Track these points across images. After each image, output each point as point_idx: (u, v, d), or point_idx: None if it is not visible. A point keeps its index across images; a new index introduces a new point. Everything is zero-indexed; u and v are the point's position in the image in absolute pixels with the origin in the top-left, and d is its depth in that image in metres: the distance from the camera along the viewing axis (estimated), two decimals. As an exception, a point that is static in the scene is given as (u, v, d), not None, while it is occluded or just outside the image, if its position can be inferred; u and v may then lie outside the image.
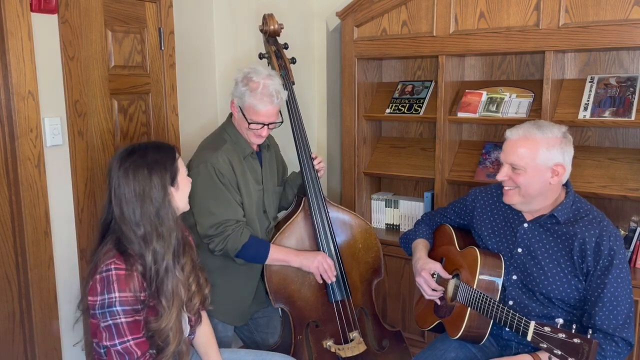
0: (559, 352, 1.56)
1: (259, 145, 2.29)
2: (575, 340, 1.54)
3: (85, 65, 2.28)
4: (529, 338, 1.65)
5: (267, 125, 2.14)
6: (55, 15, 2.15)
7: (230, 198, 2.11)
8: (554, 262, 1.86)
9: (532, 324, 1.65)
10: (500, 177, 1.88)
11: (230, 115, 2.26)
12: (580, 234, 1.82)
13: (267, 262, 2.19)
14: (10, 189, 2.10)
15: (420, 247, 2.20)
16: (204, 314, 1.97)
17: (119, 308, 1.58)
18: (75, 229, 2.29)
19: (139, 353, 1.62)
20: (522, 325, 1.69)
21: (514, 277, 1.93)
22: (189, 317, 1.83)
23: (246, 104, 2.11)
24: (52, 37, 2.15)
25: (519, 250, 1.93)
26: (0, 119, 2.04)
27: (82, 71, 2.27)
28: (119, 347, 1.60)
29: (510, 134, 1.88)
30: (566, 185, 1.91)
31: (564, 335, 1.56)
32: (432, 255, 2.18)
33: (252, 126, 2.12)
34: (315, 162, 2.34)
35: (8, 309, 2.13)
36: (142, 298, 1.62)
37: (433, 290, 2.06)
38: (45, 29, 2.12)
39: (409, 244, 2.29)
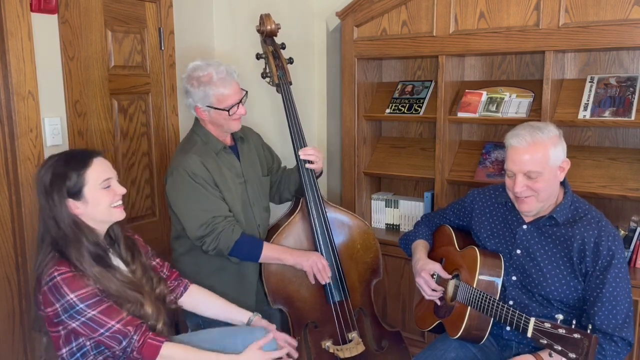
0: (559, 348, 1.56)
1: (233, 138, 2.28)
2: (575, 335, 1.54)
3: (85, 65, 2.28)
4: (529, 334, 1.65)
5: (240, 102, 2.15)
6: (55, 16, 2.15)
7: (210, 196, 2.10)
8: (552, 264, 1.86)
9: (532, 320, 1.65)
10: (518, 188, 1.81)
11: (197, 119, 2.24)
12: (579, 234, 1.82)
13: (261, 260, 2.18)
14: (11, 188, 2.10)
15: (420, 247, 2.20)
16: (193, 287, 2.03)
17: (82, 305, 1.59)
18: (75, 229, 2.29)
19: (132, 329, 1.64)
20: (522, 322, 1.69)
21: (514, 277, 1.93)
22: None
23: (213, 99, 2.10)
24: (52, 37, 2.15)
25: (518, 251, 1.93)
26: (0, 119, 2.05)
27: (82, 71, 2.27)
28: (107, 334, 1.62)
29: (517, 142, 1.82)
30: (564, 185, 1.91)
31: (563, 331, 1.56)
32: (431, 256, 2.18)
33: (232, 111, 2.12)
34: (301, 152, 2.28)
35: (8, 309, 2.14)
36: (100, 288, 1.63)
37: (433, 290, 2.06)
38: (45, 29, 2.12)
39: (409, 245, 2.29)
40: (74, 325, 1.61)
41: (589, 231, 1.81)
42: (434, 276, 2.09)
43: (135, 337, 1.64)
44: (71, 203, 1.66)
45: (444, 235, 2.20)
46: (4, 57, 2.00)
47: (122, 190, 1.75)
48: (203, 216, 2.08)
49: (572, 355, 1.53)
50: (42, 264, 1.64)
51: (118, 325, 1.62)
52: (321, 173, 2.42)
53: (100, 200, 1.69)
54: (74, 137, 2.25)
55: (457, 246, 2.10)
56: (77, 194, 1.65)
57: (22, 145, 2.06)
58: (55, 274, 1.59)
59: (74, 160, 1.67)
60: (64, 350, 1.68)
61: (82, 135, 2.29)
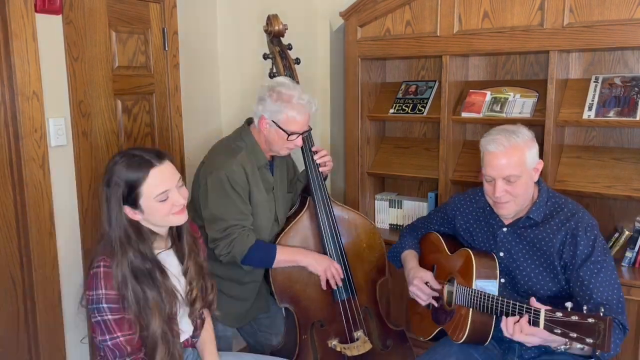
0: (575, 335, 1.52)
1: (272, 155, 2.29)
2: (590, 320, 1.50)
3: (89, 66, 2.28)
4: (540, 327, 1.60)
5: (303, 133, 2.16)
6: (60, 16, 2.15)
7: (241, 207, 2.10)
8: (535, 263, 1.87)
9: (542, 311, 1.61)
10: (498, 193, 1.83)
11: (248, 123, 2.24)
12: (557, 230, 1.83)
13: (275, 265, 2.17)
14: (15, 189, 2.10)
15: (410, 257, 2.21)
16: (207, 316, 1.97)
17: (105, 305, 1.60)
18: (80, 230, 2.30)
19: (129, 349, 1.63)
20: (532, 315, 1.64)
21: (502, 280, 1.93)
22: (192, 320, 1.84)
23: (283, 117, 2.10)
24: (56, 38, 2.16)
25: (501, 254, 1.94)
26: (5, 119, 2.05)
27: (86, 72, 2.27)
28: (109, 343, 1.62)
29: (494, 147, 1.82)
30: (538, 182, 1.92)
31: (577, 318, 1.53)
32: (422, 264, 2.18)
33: (291, 137, 2.12)
34: (317, 156, 2.31)
35: (12, 309, 2.14)
36: (123, 296, 1.62)
37: (427, 295, 2.07)
38: (49, 30, 2.13)
39: (398, 257, 2.29)
40: (93, 320, 1.64)
41: (565, 224, 1.83)
42: (428, 285, 2.09)
43: (127, 359, 1.63)
44: (128, 210, 1.63)
45: (432, 242, 2.20)
46: (9, 58, 2.01)
47: (181, 202, 1.67)
48: (225, 221, 2.08)
49: (590, 340, 1.49)
50: (99, 247, 1.65)
51: (121, 339, 1.62)
52: (327, 175, 2.42)
53: (156, 211, 1.64)
54: (78, 138, 2.26)
55: (447, 251, 2.09)
56: (133, 204, 1.63)
57: (26, 146, 2.07)
58: (101, 263, 1.61)
59: (132, 169, 1.61)
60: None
61: (86, 135, 2.29)
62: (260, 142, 2.19)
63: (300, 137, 2.16)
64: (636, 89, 2.44)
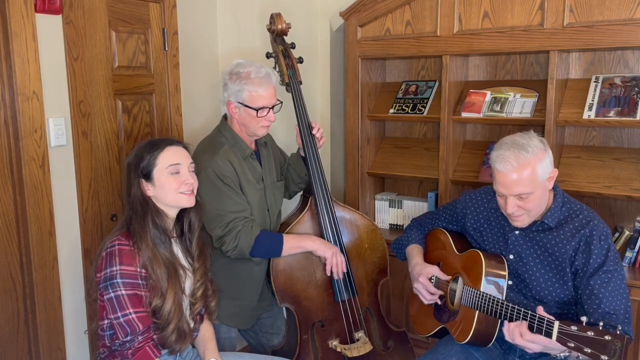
0: (589, 350, 1.51)
1: (256, 144, 2.28)
2: (606, 337, 1.49)
3: (89, 66, 2.28)
4: (553, 338, 1.58)
5: (272, 107, 2.16)
6: (60, 16, 2.15)
7: (236, 199, 2.10)
8: (545, 268, 1.86)
9: (556, 324, 1.58)
10: (510, 210, 1.80)
11: (224, 118, 2.25)
12: (571, 237, 1.82)
13: (284, 253, 2.16)
14: (15, 189, 2.10)
15: (415, 252, 2.20)
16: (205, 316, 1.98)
17: (119, 280, 1.66)
18: (80, 229, 2.30)
19: (141, 327, 1.68)
20: (545, 325, 1.62)
21: (510, 282, 1.93)
22: (192, 316, 1.86)
23: (246, 95, 2.11)
24: (56, 38, 2.16)
25: (511, 257, 1.92)
26: (5, 119, 2.05)
27: (86, 71, 2.27)
28: (121, 320, 1.67)
29: (503, 167, 1.78)
30: (553, 187, 1.89)
31: (592, 333, 1.51)
32: (427, 260, 2.17)
33: (260, 113, 2.12)
34: (314, 130, 2.34)
35: (13, 309, 2.14)
36: (143, 274, 1.70)
37: (432, 295, 2.06)
38: (49, 30, 2.12)
39: (402, 250, 2.28)
40: (105, 297, 1.68)
41: (580, 230, 1.81)
42: (432, 279, 2.08)
43: (139, 337, 1.68)
44: (144, 184, 1.78)
45: (439, 239, 2.18)
46: (9, 58, 2.01)
47: (190, 180, 1.81)
48: (225, 216, 2.08)
49: (604, 358, 1.49)
50: (112, 233, 1.78)
51: (134, 315, 1.67)
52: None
53: (165, 184, 1.77)
54: (78, 138, 2.26)
55: (455, 250, 2.08)
56: (147, 175, 1.77)
57: (26, 146, 2.07)
58: (116, 242, 1.71)
59: (152, 145, 1.81)
60: (105, 322, 1.75)
61: (86, 135, 2.29)
62: (238, 132, 2.19)
63: (271, 111, 2.16)
64: (636, 89, 2.44)
